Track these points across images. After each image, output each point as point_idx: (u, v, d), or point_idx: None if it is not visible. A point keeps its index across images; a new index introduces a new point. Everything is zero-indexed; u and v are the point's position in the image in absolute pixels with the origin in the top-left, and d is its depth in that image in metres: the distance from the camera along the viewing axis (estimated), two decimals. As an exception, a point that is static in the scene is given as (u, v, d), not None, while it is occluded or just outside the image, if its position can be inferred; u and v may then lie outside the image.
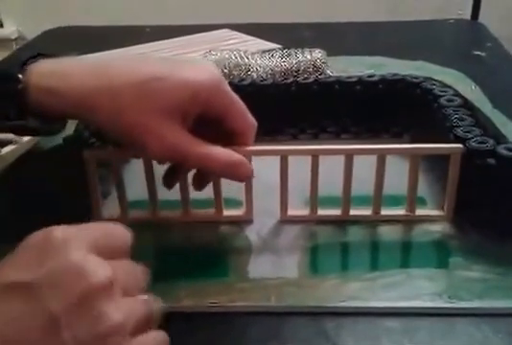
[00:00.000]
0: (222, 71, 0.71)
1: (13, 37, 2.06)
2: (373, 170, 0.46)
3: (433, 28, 1.08)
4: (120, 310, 0.27)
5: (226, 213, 0.49)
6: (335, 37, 1.00)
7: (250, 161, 0.44)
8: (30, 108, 0.42)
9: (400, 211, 0.48)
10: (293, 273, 0.42)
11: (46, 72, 0.42)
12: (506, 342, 0.36)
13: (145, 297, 0.30)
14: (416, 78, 0.59)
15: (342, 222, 0.48)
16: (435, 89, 0.56)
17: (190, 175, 0.47)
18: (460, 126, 0.48)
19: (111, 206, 0.49)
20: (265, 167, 0.44)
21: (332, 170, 0.45)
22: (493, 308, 0.38)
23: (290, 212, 0.48)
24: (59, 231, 0.29)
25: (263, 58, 0.74)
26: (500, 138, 0.48)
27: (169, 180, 0.47)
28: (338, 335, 0.36)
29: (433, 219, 0.48)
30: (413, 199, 0.47)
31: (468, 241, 0.45)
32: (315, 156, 0.46)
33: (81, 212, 0.49)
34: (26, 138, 0.59)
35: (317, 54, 0.74)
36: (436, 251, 0.46)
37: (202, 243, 0.46)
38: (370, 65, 0.81)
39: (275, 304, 0.40)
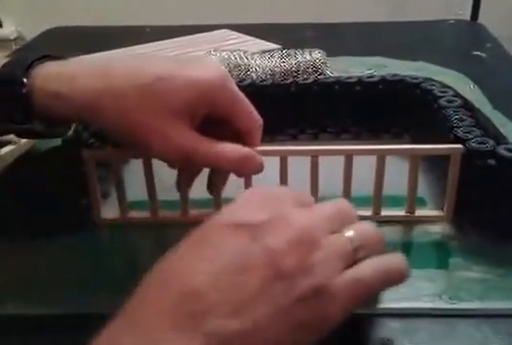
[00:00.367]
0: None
1: (13, 38, 2.06)
2: (373, 170, 0.46)
3: (433, 28, 1.08)
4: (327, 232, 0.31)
5: (226, 213, 0.48)
6: (335, 38, 1.00)
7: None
8: (35, 112, 0.42)
9: (400, 211, 0.48)
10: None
11: (50, 75, 0.42)
12: (506, 343, 0.36)
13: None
14: (416, 78, 0.59)
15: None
16: (435, 90, 0.56)
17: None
18: (460, 127, 0.48)
19: (111, 206, 0.49)
20: (264, 167, 0.44)
21: (332, 170, 0.45)
22: (493, 308, 0.38)
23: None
24: (271, 189, 0.34)
25: (262, 59, 0.74)
26: (500, 139, 0.48)
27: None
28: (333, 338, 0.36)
29: (433, 220, 0.47)
30: (413, 200, 0.47)
31: (468, 242, 0.45)
32: (315, 157, 0.46)
33: (81, 212, 0.49)
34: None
35: (317, 54, 0.74)
36: (436, 252, 0.45)
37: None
38: (370, 66, 0.81)
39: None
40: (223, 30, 1.01)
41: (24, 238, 0.47)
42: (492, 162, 0.44)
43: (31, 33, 1.17)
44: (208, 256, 0.29)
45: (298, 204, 0.33)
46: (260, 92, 0.59)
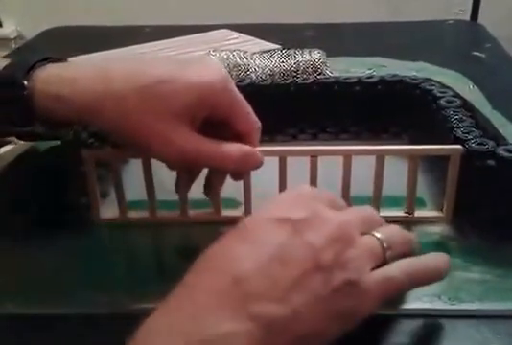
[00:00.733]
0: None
1: (12, 37, 2.06)
2: (372, 170, 0.46)
3: (433, 28, 1.08)
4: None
5: (225, 213, 0.48)
6: (334, 38, 1.00)
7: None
8: (35, 114, 0.42)
9: (399, 212, 0.48)
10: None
11: (51, 78, 0.42)
12: (506, 344, 0.36)
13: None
14: (415, 78, 0.59)
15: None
16: (435, 90, 0.56)
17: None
18: (460, 127, 0.48)
19: (110, 206, 0.49)
20: (263, 167, 0.44)
21: (331, 170, 0.45)
22: (493, 309, 0.38)
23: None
24: (309, 189, 0.37)
25: (262, 59, 0.74)
26: (499, 139, 0.48)
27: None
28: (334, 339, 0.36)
29: (433, 221, 0.47)
30: (412, 200, 0.47)
31: (467, 243, 0.45)
32: (314, 157, 0.46)
33: (80, 212, 0.49)
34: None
35: (316, 54, 0.74)
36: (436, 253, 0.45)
37: (201, 244, 0.46)
38: (370, 66, 0.81)
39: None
40: (223, 30, 1.01)
41: (23, 237, 0.47)
42: (491, 163, 0.44)
43: (31, 32, 1.17)
44: (254, 246, 0.32)
45: (331, 205, 0.35)
46: (259, 92, 0.59)
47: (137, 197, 0.49)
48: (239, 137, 0.44)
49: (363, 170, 0.45)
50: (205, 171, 0.47)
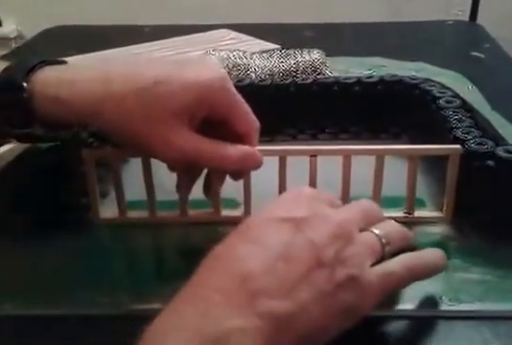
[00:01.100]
0: (221, 71, 0.71)
1: (12, 36, 2.06)
2: (372, 170, 0.46)
3: (432, 29, 1.08)
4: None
5: (225, 213, 0.48)
6: (334, 38, 1.00)
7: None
8: (35, 116, 0.42)
9: (399, 212, 0.48)
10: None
11: (50, 80, 0.42)
12: (506, 345, 0.36)
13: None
14: (415, 79, 0.59)
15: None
16: (434, 90, 0.56)
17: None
18: (459, 128, 0.48)
19: (109, 206, 0.49)
20: (263, 167, 0.44)
21: (330, 170, 0.45)
22: (493, 310, 0.38)
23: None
24: (309, 190, 0.38)
25: (261, 59, 0.74)
26: (498, 140, 0.48)
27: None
28: (335, 340, 0.36)
29: (432, 221, 0.47)
30: (412, 201, 0.47)
31: (467, 243, 0.45)
32: (314, 156, 0.46)
33: (80, 212, 0.49)
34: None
35: (316, 54, 0.74)
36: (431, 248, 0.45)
37: (200, 244, 0.46)
38: (369, 66, 0.81)
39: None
40: (222, 29, 1.01)
41: (23, 237, 0.47)
42: (491, 163, 0.44)
43: (31, 31, 1.17)
44: (258, 246, 0.32)
45: (329, 204, 0.36)
46: (259, 92, 0.59)
47: (137, 197, 0.48)
48: (238, 137, 0.44)
49: (363, 170, 0.45)
50: (205, 171, 0.47)
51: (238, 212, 0.48)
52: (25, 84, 0.41)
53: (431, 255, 0.38)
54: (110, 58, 0.84)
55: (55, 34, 1.10)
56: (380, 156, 0.45)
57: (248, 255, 0.32)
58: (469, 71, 0.78)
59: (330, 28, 1.08)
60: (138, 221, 0.49)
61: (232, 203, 0.49)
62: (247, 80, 0.60)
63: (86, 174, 0.47)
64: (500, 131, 0.56)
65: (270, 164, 0.45)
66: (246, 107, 0.44)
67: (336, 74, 0.72)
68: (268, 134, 0.59)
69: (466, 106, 0.53)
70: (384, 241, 0.35)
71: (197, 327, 0.29)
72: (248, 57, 0.74)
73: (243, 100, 0.44)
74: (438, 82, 0.58)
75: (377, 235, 0.36)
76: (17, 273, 0.44)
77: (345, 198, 0.47)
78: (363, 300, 0.33)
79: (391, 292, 0.35)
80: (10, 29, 2.07)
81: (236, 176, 0.46)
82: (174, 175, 0.47)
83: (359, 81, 0.59)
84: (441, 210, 0.48)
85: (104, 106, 0.41)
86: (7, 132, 0.44)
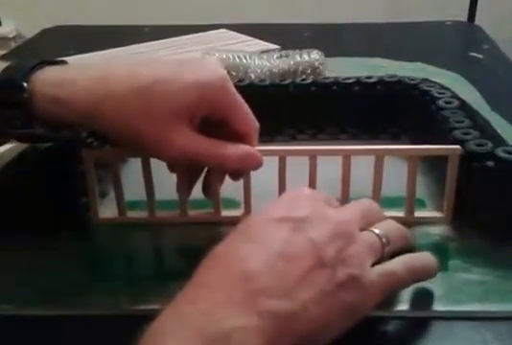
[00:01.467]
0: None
1: (12, 36, 2.06)
2: (371, 171, 0.46)
3: (431, 29, 1.08)
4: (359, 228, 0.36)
5: (224, 213, 0.48)
6: (333, 39, 1.00)
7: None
8: (35, 117, 0.42)
9: (398, 213, 0.48)
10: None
11: (50, 80, 0.42)
12: (506, 345, 0.36)
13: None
14: (414, 79, 0.59)
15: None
16: (433, 91, 0.56)
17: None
18: (459, 129, 0.48)
19: (109, 206, 0.49)
20: (263, 167, 0.44)
21: (330, 170, 0.45)
22: (493, 311, 0.38)
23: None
24: (308, 190, 0.38)
25: (261, 59, 0.74)
26: (498, 140, 0.48)
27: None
28: (335, 340, 0.36)
29: (432, 222, 0.47)
30: (412, 201, 0.47)
31: (467, 244, 0.45)
32: (313, 157, 0.46)
33: (79, 211, 0.49)
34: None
35: (315, 55, 0.74)
36: (435, 254, 0.45)
37: (200, 244, 0.46)
38: (368, 66, 0.81)
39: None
40: (222, 30, 1.01)
41: (22, 237, 0.47)
42: (490, 164, 0.44)
43: (30, 31, 1.17)
44: (258, 245, 0.33)
45: (328, 204, 0.37)
46: (258, 92, 0.59)
47: (136, 197, 0.48)
48: (238, 137, 0.44)
49: (363, 170, 0.45)
50: (205, 171, 0.47)
51: (238, 212, 0.48)
52: (25, 84, 0.41)
53: (427, 257, 0.38)
54: (110, 58, 0.84)
55: (54, 33, 1.10)
56: (379, 156, 0.45)
57: (249, 254, 0.32)
58: (467, 72, 0.78)
59: (329, 28, 1.08)
60: (138, 221, 0.49)
61: (232, 203, 0.49)
62: (247, 81, 0.60)
63: (86, 174, 0.47)
64: (500, 132, 0.56)
65: (270, 164, 0.45)
66: (246, 107, 0.44)
67: (334, 74, 0.72)
68: (268, 134, 0.59)
69: (465, 107, 0.53)
70: (384, 240, 0.36)
71: (198, 326, 0.29)
72: (248, 58, 0.74)
73: (242, 100, 0.44)
74: (437, 83, 0.58)
75: (377, 234, 0.36)
76: (17, 273, 0.43)
77: (345, 198, 0.47)
78: (364, 300, 0.33)
79: (392, 292, 0.35)
80: (9, 28, 2.07)
81: (235, 176, 0.46)
82: (174, 175, 0.46)
83: (358, 82, 0.59)
84: (441, 210, 0.48)
85: (105, 106, 0.41)
86: (7, 132, 0.44)
